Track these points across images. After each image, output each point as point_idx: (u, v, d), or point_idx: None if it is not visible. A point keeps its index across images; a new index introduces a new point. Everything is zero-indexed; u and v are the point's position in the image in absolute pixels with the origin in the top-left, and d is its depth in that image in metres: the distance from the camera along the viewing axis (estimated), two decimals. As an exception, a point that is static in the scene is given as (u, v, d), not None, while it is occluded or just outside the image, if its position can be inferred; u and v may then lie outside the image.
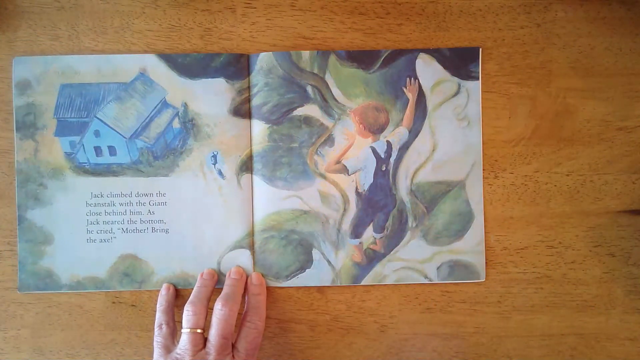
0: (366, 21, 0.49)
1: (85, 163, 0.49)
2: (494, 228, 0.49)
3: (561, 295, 0.49)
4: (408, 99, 0.49)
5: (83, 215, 0.49)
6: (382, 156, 0.49)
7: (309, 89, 0.49)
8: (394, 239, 0.49)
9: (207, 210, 0.49)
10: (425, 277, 0.49)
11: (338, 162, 0.49)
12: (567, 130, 0.49)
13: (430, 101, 0.49)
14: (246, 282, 0.48)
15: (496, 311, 0.49)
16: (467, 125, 0.49)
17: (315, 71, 0.48)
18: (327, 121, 0.49)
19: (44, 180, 0.48)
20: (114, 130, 0.49)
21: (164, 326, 0.46)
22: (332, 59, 0.48)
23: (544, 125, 0.49)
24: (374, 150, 0.49)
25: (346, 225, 0.49)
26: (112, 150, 0.49)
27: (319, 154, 0.49)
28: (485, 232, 0.49)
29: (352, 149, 0.49)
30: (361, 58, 0.48)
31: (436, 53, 0.49)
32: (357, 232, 0.49)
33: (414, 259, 0.49)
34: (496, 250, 0.49)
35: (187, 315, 0.44)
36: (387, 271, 0.49)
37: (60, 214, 0.49)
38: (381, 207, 0.49)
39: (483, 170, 0.49)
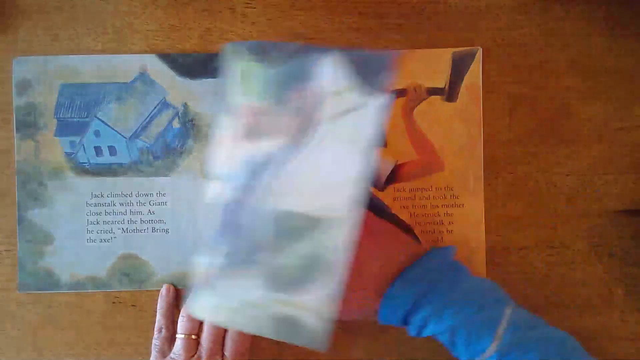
0: (366, 21, 0.49)
1: (86, 163, 0.49)
2: (494, 228, 0.49)
3: (561, 295, 0.49)
4: (300, 107, 0.37)
5: (83, 215, 0.49)
6: (260, 170, 0.37)
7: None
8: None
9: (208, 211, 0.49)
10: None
11: None
12: (567, 130, 0.49)
13: (325, 113, 0.37)
14: None
15: (496, 311, 0.49)
16: (359, 149, 0.36)
17: None
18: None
19: (44, 180, 0.48)
20: (114, 130, 0.49)
21: (163, 330, 0.46)
22: None
23: (544, 125, 0.49)
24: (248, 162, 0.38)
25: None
26: (112, 150, 0.49)
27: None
28: (485, 232, 0.49)
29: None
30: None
31: (350, 55, 0.37)
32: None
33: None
34: (496, 250, 0.49)
35: (182, 321, 0.45)
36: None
37: (60, 214, 0.49)
38: None
39: (483, 170, 0.49)
